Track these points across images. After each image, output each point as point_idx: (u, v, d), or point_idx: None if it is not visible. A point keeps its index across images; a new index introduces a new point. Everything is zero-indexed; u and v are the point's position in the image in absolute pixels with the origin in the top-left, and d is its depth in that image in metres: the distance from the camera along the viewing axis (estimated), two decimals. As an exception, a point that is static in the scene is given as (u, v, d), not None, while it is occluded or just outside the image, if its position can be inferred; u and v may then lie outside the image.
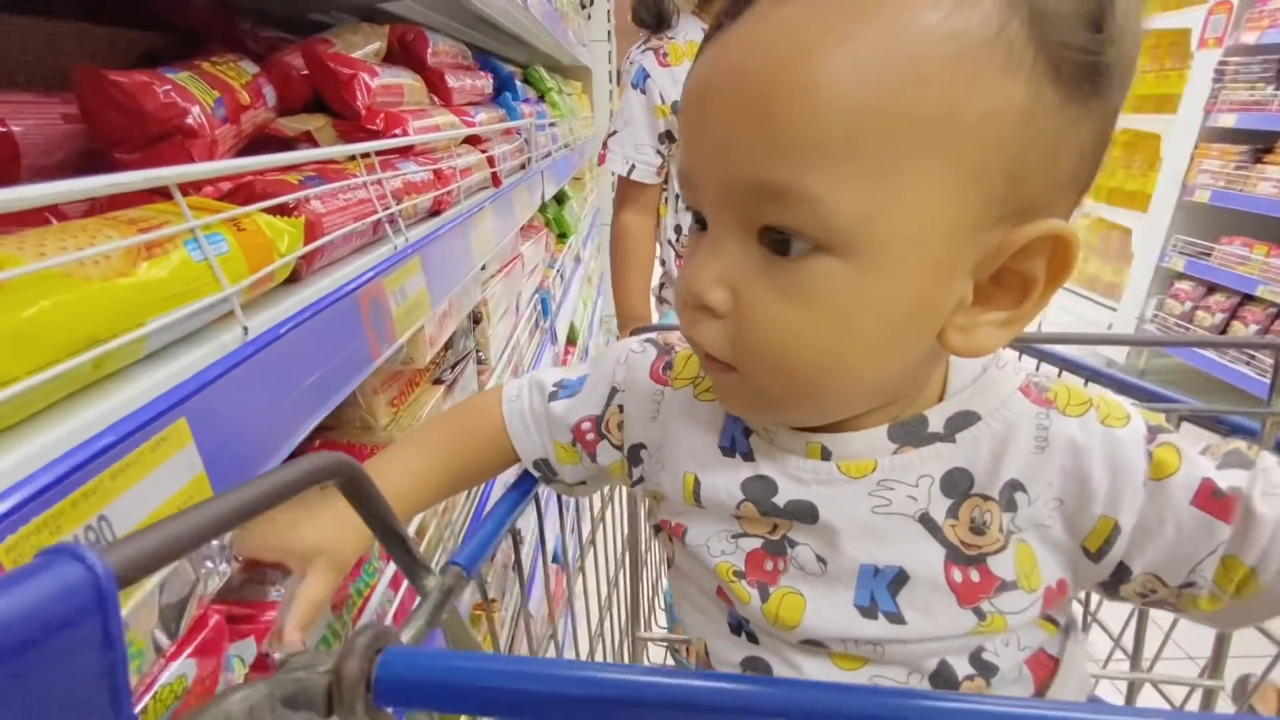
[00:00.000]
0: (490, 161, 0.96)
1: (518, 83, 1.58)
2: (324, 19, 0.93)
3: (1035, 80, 0.27)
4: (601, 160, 1.09)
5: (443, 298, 0.66)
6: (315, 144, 0.69)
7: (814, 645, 0.39)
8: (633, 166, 1.06)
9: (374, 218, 0.54)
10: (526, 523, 0.58)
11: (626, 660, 0.79)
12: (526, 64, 1.92)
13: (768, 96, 0.28)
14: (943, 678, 0.38)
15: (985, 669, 0.38)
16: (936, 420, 0.37)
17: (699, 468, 0.42)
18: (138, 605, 0.29)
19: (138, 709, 0.31)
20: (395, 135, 0.68)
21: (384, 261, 0.53)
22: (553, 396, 0.49)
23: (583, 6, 2.59)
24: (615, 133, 1.07)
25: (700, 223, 0.34)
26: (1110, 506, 0.35)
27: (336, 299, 0.44)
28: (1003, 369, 0.39)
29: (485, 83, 1.19)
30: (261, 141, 0.66)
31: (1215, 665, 0.63)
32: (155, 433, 0.28)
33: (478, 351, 0.92)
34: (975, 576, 0.36)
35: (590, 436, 0.48)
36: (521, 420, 0.49)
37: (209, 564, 0.35)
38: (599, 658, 0.72)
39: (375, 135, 0.69)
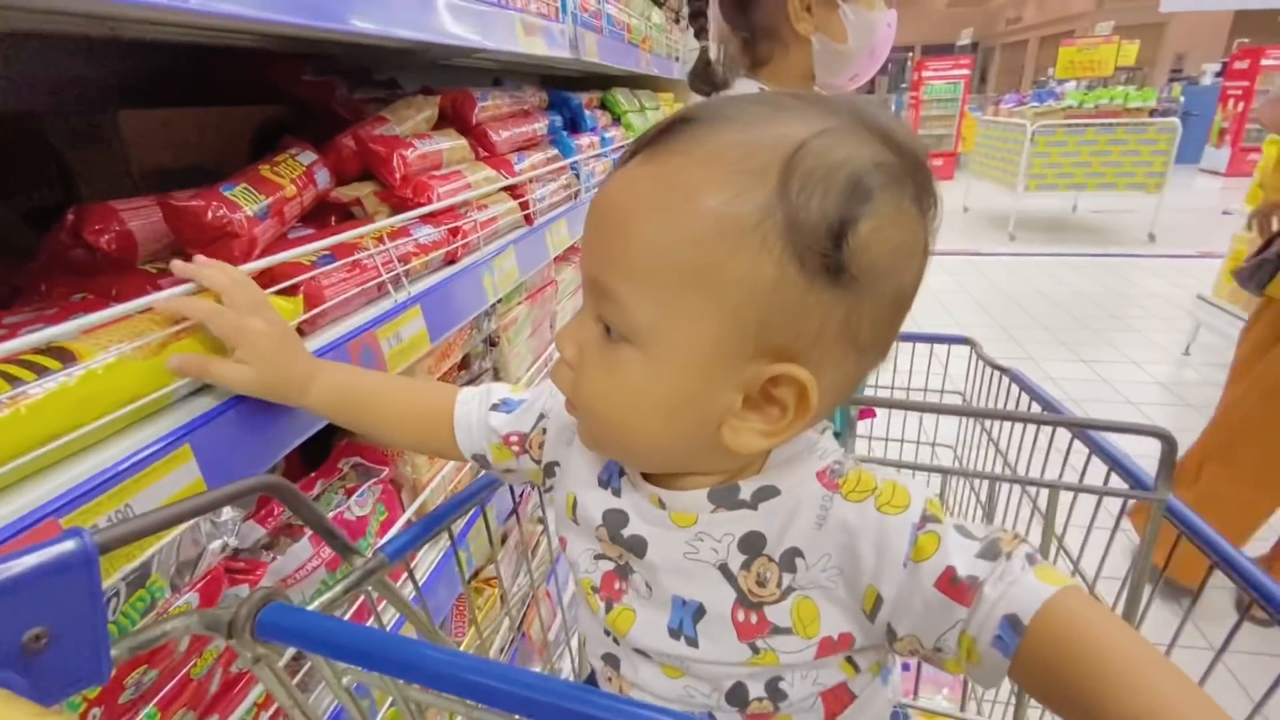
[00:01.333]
0: (524, 205, 1.12)
1: (588, 111, 1.74)
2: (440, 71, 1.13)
3: (783, 264, 0.37)
4: None
5: (444, 334, 0.83)
6: (363, 207, 0.88)
7: (643, 654, 0.50)
8: None
9: (376, 280, 0.71)
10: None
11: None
12: (613, 82, 2.07)
13: (613, 225, 0.41)
14: (736, 695, 0.47)
15: (776, 694, 0.47)
16: (747, 490, 0.46)
17: (579, 490, 0.53)
18: (156, 558, 0.48)
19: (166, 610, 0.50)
20: (420, 202, 0.86)
21: (379, 316, 0.70)
22: (494, 409, 0.60)
23: (677, 21, 2.69)
24: None
25: None
26: (875, 579, 0.42)
27: (326, 352, 0.61)
28: (813, 453, 0.47)
29: (540, 125, 1.35)
30: (325, 209, 0.86)
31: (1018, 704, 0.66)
32: (168, 453, 0.46)
33: (495, 370, 1.09)
34: (754, 619, 0.45)
35: (516, 449, 0.60)
36: (466, 423, 0.60)
37: (214, 539, 0.53)
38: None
39: (406, 201, 0.87)
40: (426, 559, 0.83)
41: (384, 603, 0.62)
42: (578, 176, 1.41)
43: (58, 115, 0.83)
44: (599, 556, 0.51)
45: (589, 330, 0.44)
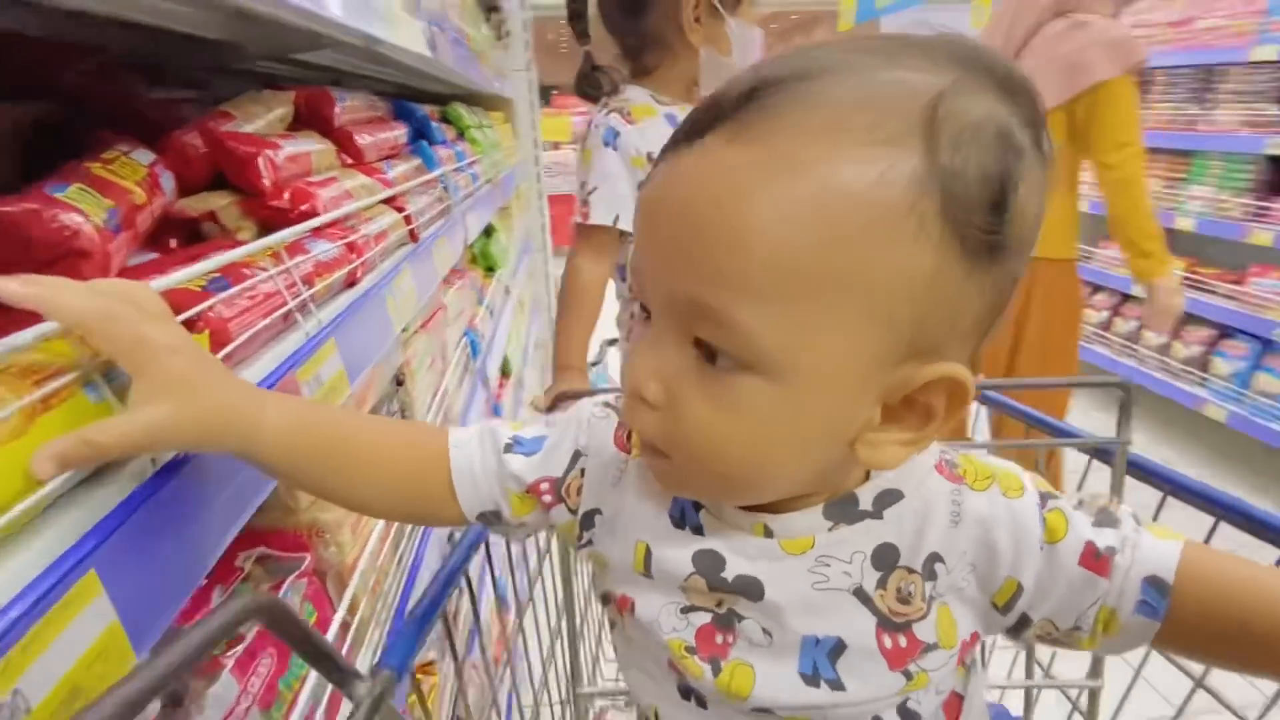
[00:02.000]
0: (408, 219, 0.97)
1: (434, 124, 1.58)
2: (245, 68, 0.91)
3: (942, 249, 0.32)
4: (585, 218, 1.10)
5: (361, 373, 0.66)
6: (218, 223, 0.68)
7: (765, 712, 0.42)
8: (617, 216, 1.09)
9: (285, 309, 0.54)
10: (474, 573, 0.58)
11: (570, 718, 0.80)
12: (445, 99, 1.92)
13: (707, 230, 0.32)
14: None
15: (909, 716, 0.41)
16: (866, 498, 0.40)
17: (651, 538, 0.43)
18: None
19: None
20: (303, 212, 0.68)
21: (296, 352, 0.53)
22: (508, 449, 0.47)
23: (499, 38, 2.60)
24: (595, 189, 1.09)
25: (646, 311, 0.37)
26: (1014, 569, 0.40)
27: (249, 407, 0.44)
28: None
29: (400, 133, 1.19)
30: (164, 227, 0.64)
31: (1095, 666, 0.71)
32: (64, 592, 0.28)
33: (403, 413, 0.92)
34: (903, 642, 0.40)
35: (548, 499, 0.47)
36: (468, 472, 0.46)
37: None
38: (543, 715, 0.73)
39: (281, 213, 0.69)
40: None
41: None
42: (447, 190, 1.26)
43: None
44: (687, 609, 0.42)
45: (678, 360, 0.35)
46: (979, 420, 0.99)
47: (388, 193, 0.92)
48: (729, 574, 0.41)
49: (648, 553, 0.43)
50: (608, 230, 1.10)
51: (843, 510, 0.40)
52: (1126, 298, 3.06)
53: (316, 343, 0.57)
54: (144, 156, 0.58)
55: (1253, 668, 0.38)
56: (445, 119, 1.79)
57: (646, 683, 0.47)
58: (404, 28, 0.93)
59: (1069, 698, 0.77)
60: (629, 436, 0.46)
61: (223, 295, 0.46)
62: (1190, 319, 2.63)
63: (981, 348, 0.39)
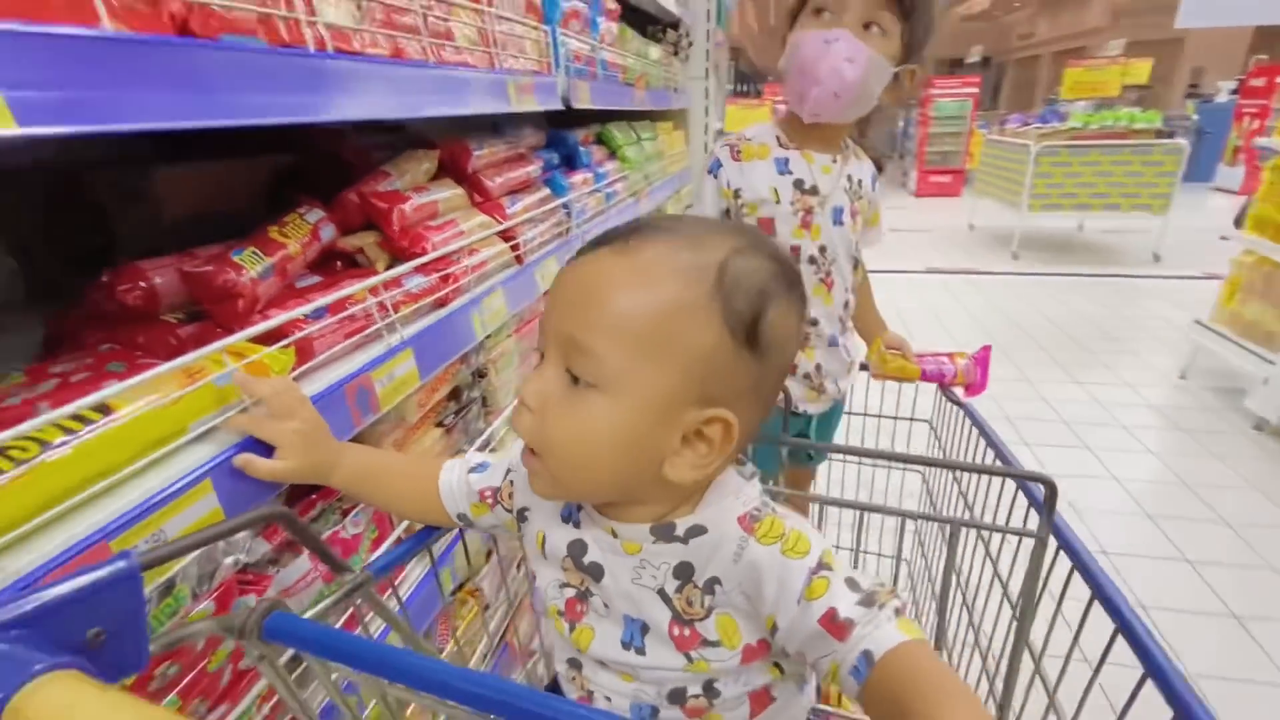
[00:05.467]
0: (515, 248, 1.23)
1: (584, 148, 1.85)
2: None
3: (720, 334, 0.50)
4: None
5: (433, 372, 0.93)
6: (365, 255, 0.99)
7: (601, 662, 0.60)
8: None
9: (370, 329, 0.82)
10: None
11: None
12: (611, 116, 2.17)
13: (591, 297, 0.51)
14: (676, 695, 0.57)
15: (711, 693, 0.57)
16: (680, 528, 0.56)
17: (547, 527, 0.63)
18: (181, 571, 0.58)
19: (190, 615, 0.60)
20: (414, 252, 0.96)
21: (374, 359, 0.80)
22: (471, 471, 0.71)
23: (676, 53, 2.80)
24: (690, 206, 1.28)
25: (541, 355, 0.57)
26: (774, 610, 0.52)
27: (324, 396, 0.71)
28: (737, 498, 0.57)
29: (534, 168, 1.46)
30: (331, 255, 0.97)
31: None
32: (193, 486, 0.56)
33: (484, 399, 1.19)
34: (687, 633, 0.55)
35: (490, 501, 0.70)
36: (449, 489, 0.71)
37: (228, 554, 0.64)
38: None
39: (403, 250, 0.98)
40: (413, 574, 0.93)
41: (371, 614, 0.72)
42: (569, 215, 1.51)
43: (101, 170, 0.94)
44: (563, 585, 0.61)
45: (553, 381, 0.53)
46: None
47: (499, 227, 1.19)
48: (587, 559, 0.59)
49: (544, 538, 0.63)
50: None
51: (663, 532, 0.56)
52: None
53: (394, 352, 0.84)
54: (313, 215, 0.90)
55: None
56: (600, 140, 2.05)
57: (549, 629, 0.67)
58: (526, 100, 1.18)
59: None
60: None
61: (316, 327, 0.74)
62: None
63: (765, 416, 0.56)
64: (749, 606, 0.54)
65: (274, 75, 0.64)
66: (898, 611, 0.49)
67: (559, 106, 1.37)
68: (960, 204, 9.01)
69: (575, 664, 0.62)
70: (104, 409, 0.54)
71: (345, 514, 0.85)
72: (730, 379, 0.51)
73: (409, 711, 0.96)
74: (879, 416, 1.59)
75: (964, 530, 0.78)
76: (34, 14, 0.44)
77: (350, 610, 0.76)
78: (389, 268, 0.95)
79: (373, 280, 0.84)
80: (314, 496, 0.85)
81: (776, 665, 0.58)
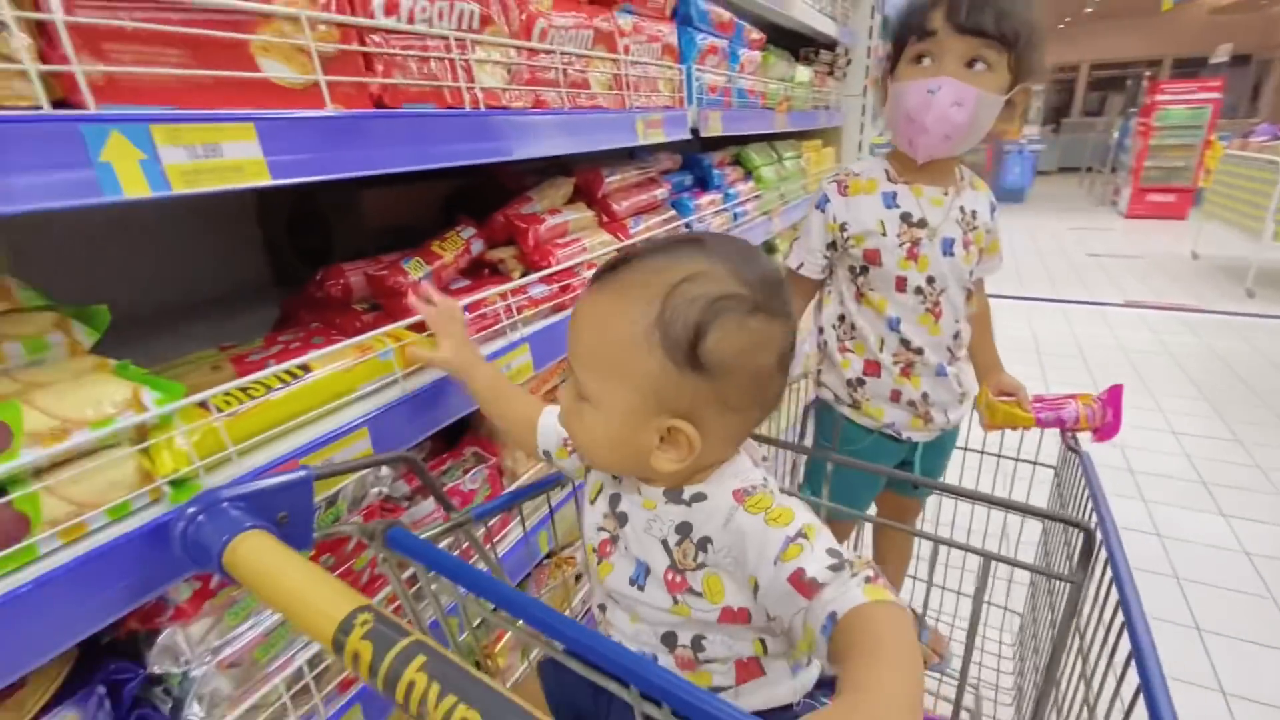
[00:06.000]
0: (632, 261, 1.39)
1: (718, 170, 1.97)
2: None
3: (662, 359, 0.60)
4: (787, 257, 1.40)
5: (547, 364, 1.11)
6: (506, 265, 1.20)
7: (614, 599, 0.73)
8: (802, 264, 1.35)
9: (498, 326, 1.02)
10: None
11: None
12: (751, 138, 2.28)
13: (576, 331, 0.67)
14: (668, 639, 0.69)
15: (697, 647, 0.67)
16: (687, 494, 0.68)
17: (603, 480, 0.77)
18: (342, 490, 0.80)
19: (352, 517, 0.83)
20: (544, 266, 1.16)
21: (497, 351, 1.00)
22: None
23: (831, 73, 2.82)
24: (798, 238, 1.38)
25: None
26: (755, 570, 0.61)
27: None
28: (737, 476, 0.67)
29: (662, 191, 1.61)
30: (479, 264, 1.20)
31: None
32: (351, 433, 0.78)
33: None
34: (678, 580, 0.66)
35: (569, 449, 0.85)
36: (545, 430, 0.86)
37: (376, 486, 0.86)
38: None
39: (535, 263, 1.18)
40: (513, 534, 1.12)
41: (475, 557, 0.92)
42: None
43: (325, 190, 1.26)
44: (600, 528, 0.75)
45: (567, 396, 0.68)
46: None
47: (621, 245, 1.36)
48: (619, 509, 0.72)
49: (600, 489, 0.77)
50: (793, 273, 1.35)
51: (672, 495, 0.68)
52: None
53: (513, 345, 1.04)
54: (466, 232, 1.12)
55: None
56: (737, 161, 2.16)
57: (588, 572, 0.81)
58: (653, 133, 1.34)
59: None
60: None
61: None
62: None
63: (757, 418, 0.65)
64: (735, 568, 0.63)
65: (442, 130, 0.85)
66: (869, 580, 0.52)
67: (687, 136, 1.51)
68: (1183, 228, 7.76)
69: (602, 607, 0.76)
70: (305, 369, 0.77)
71: (466, 472, 1.06)
72: (680, 397, 0.60)
73: (498, 648, 1.16)
74: (998, 456, 1.53)
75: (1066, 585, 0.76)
76: (284, 103, 0.68)
77: (458, 552, 0.97)
78: (524, 276, 1.16)
79: (504, 287, 1.04)
80: (446, 455, 1.08)
81: (760, 641, 0.66)
